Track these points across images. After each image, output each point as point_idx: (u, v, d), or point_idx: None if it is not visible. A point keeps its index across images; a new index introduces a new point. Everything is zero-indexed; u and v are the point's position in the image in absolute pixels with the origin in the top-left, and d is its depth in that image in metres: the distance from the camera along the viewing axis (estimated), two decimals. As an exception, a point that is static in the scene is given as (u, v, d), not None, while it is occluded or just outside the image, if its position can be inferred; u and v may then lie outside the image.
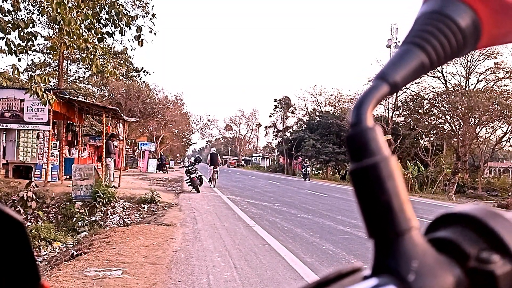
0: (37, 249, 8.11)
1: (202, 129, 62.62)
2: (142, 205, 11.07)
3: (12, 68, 7.63)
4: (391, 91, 0.28)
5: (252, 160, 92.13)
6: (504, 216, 0.29)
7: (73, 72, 33.32)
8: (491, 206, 0.29)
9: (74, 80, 32.98)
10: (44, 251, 8.06)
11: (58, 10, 6.65)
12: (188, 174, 14.97)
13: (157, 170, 30.07)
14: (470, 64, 27.27)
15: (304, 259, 5.51)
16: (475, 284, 0.27)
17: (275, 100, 57.32)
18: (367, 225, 0.28)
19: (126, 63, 32.39)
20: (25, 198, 10.90)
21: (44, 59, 30.73)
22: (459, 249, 0.28)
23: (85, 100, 16.31)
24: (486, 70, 26.65)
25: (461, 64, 27.42)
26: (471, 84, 27.41)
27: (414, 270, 0.27)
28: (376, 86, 0.28)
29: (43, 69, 30.73)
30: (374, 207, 0.28)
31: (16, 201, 11.10)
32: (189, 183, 14.97)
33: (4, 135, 13.54)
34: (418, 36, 0.29)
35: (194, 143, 73.68)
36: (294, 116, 54.73)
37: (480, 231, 0.28)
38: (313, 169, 43.99)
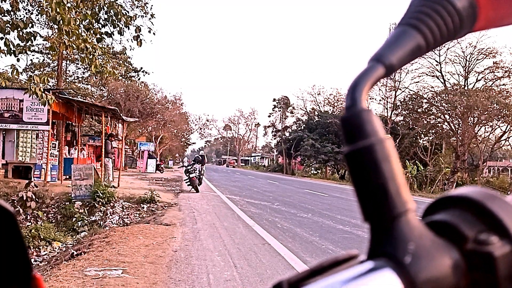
0: (36, 249, 8.12)
1: (201, 129, 62.65)
2: (141, 205, 11.07)
3: (11, 68, 7.63)
4: (387, 73, 0.28)
5: (251, 159, 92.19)
6: (503, 198, 0.29)
7: (72, 72, 33.28)
8: (490, 189, 0.29)
9: (73, 81, 32.94)
10: (44, 251, 8.05)
11: (58, 10, 6.65)
12: (187, 174, 14.97)
13: (156, 170, 30.10)
14: (469, 63, 27.30)
15: (303, 258, 5.52)
16: (473, 266, 0.27)
17: (274, 100, 57.40)
18: (362, 208, 0.28)
19: (125, 63, 32.37)
20: (24, 198, 10.89)
21: (43, 59, 30.70)
22: (457, 231, 0.28)
23: (84, 100, 16.30)
24: (485, 69, 26.68)
25: (460, 63, 27.47)
26: (470, 83, 27.45)
27: (411, 252, 0.26)
28: (371, 68, 0.28)
29: (42, 69, 30.69)
30: (369, 190, 0.27)
31: (15, 201, 11.09)
32: (188, 183, 14.98)
33: (3, 135, 13.53)
34: (413, 17, 0.29)
35: (193, 143, 73.73)
36: (293, 116, 54.83)
37: (479, 213, 0.28)
38: (312, 168, 44.03)
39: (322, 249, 6.24)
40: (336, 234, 7.51)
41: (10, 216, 0.27)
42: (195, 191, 14.68)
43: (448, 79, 28.22)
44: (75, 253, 6.11)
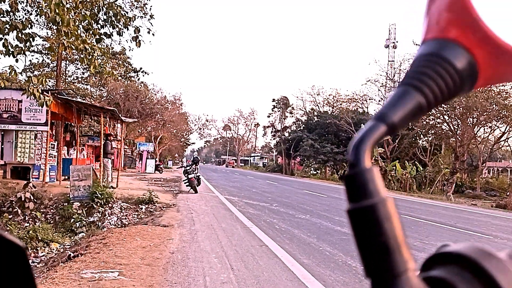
0: (34, 250, 8.10)
1: (200, 129, 62.58)
2: (140, 205, 11.07)
3: (9, 69, 7.62)
4: (389, 132, 0.29)
5: (250, 160, 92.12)
6: (497, 256, 0.29)
7: (71, 72, 33.27)
8: (483, 244, 0.30)
9: (72, 81, 32.92)
10: (42, 252, 8.04)
11: (57, 11, 6.65)
12: (186, 175, 14.96)
13: (155, 171, 30.09)
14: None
15: (301, 260, 5.51)
16: None
17: (273, 100, 57.43)
18: (364, 265, 0.29)
19: (125, 63, 32.37)
20: (23, 199, 10.88)
21: (42, 60, 30.67)
22: None
23: (83, 101, 16.29)
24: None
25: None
26: (470, 84, 27.42)
27: None
28: (375, 127, 0.29)
29: (41, 69, 30.67)
30: (371, 248, 0.28)
31: (14, 202, 11.08)
32: (187, 184, 14.97)
33: (2, 136, 13.52)
34: (415, 78, 0.29)
35: (193, 143, 73.60)
36: (292, 116, 54.81)
37: (475, 272, 0.29)
38: (312, 169, 44.01)
39: (319, 251, 6.23)
40: (334, 236, 7.50)
41: (21, 252, 0.29)
42: (193, 192, 14.67)
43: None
44: (72, 254, 6.10)
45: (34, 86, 7.05)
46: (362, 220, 0.28)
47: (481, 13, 0.29)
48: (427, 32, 0.30)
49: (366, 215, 0.28)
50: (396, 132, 0.30)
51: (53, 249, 8.28)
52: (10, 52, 7.37)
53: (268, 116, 58.82)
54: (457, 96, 0.31)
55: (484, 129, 27.37)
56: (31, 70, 30.42)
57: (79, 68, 32.29)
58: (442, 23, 0.30)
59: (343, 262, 5.65)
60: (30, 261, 7.64)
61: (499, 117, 25.01)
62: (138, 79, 34.68)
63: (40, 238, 8.50)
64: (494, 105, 24.35)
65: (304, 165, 46.41)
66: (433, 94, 0.29)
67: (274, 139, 58.50)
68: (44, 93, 7.68)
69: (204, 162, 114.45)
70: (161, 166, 33.02)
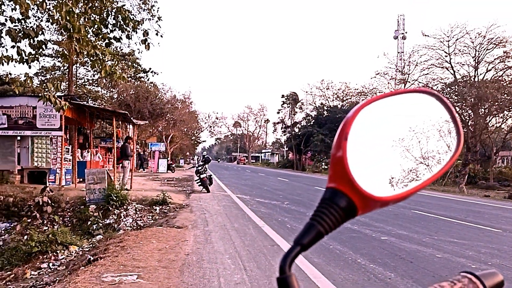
0: (54, 253, 8.39)
1: (210, 127, 62.75)
2: (154, 207, 11.31)
3: (25, 77, 7.90)
4: (303, 249, 0.48)
5: (261, 156, 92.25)
6: None
7: (82, 75, 33.74)
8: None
9: (83, 83, 33.39)
10: (62, 255, 8.32)
11: (68, 18, 6.87)
12: (198, 175, 15.20)
13: (168, 170, 30.42)
14: (479, 54, 26.97)
15: (311, 259, 5.67)
16: None
17: (283, 96, 57.41)
18: None
19: (134, 64, 32.70)
20: (40, 203, 11.22)
21: (54, 64, 31.16)
22: None
23: (96, 106, 16.61)
24: (495, 59, 26.33)
25: (469, 53, 27.17)
26: (480, 74, 27.13)
27: None
28: (293, 248, 0.48)
29: (53, 73, 31.18)
30: None
31: (32, 206, 11.44)
32: (200, 183, 15.21)
33: (18, 141, 13.88)
34: (316, 215, 0.49)
35: (203, 141, 73.81)
36: (302, 112, 54.80)
37: None
38: (323, 164, 44.02)
39: (329, 250, 6.38)
40: (344, 234, 7.64)
41: None
42: (206, 191, 14.90)
43: (458, 70, 27.93)
44: (91, 258, 6.34)
45: (50, 92, 7.31)
46: None
47: (354, 172, 0.47)
48: (328, 182, 0.49)
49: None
50: (309, 248, 0.48)
51: (72, 252, 8.55)
52: (24, 60, 7.63)
53: (278, 112, 58.87)
54: (345, 221, 0.49)
55: (496, 119, 27.11)
56: (43, 74, 30.97)
57: (89, 71, 32.75)
58: (333, 176, 0.48)
59: (352, 260, 5.79)
60: (51, 264, 7.94)
61: (511, 107, 24.77)
62: (148, 80, 35.03)
63: (59, 242, 8.79)
64: (505, 95, 24.13)
65: (315, 160, 46.44)
66: (327, 224, 0.47)
67: (284, 135, 58.55)
68: (59, 99, 7.90)
69: (219, 160, 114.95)
70: (173, 165, 33.36)
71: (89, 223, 10.60)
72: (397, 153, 0.52)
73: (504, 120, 26.93)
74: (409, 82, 31.78)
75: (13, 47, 7.45)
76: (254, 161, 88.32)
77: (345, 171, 0.47)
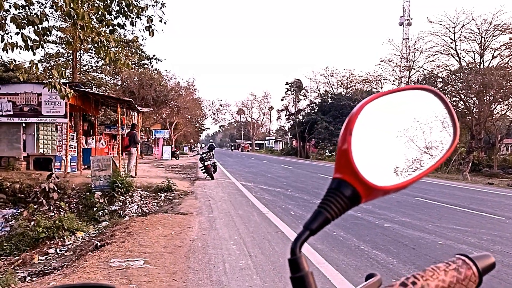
0: (61, 239, 8.52)
1: (214, 114, 62.75)
2: (159, 193, 11.42)
3: (30, 64, 7.92)
4: (311, 234, 0.52)
5: (265, 143, 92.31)
6: None
7: (86, 61, 33.70)
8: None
9: (87, 70, 33.37)
10: (68, 241, 8.46)
11: (72, 5, 6.86)
12: (202, 162, 15.27)
13: (172, 157, 30.56)
14: (485, 40, 26.69)
15: (315, 245, 5.74)
16: None
17: (287, 83, 57.16)
18: None
19: (138, 51, 32.61)
20: (47, 190, 11.35)
21: (58, 50, 31.11)
22: None
23: (100, 93, 16.63)
24: (501, 46, 26.05)
25: (475, 40, 26.90)
26: (486, 61, 26.88)
27: None
28: (303, 233, 0.52)
29: (57, 59, 31.14)
30: None
31: (38, 193, 11.58)
32: (204, 171, 15.29)
33: (23, 128, 13.97)
34: (323, 203, 0.52)
35: (207, 128, 74.06)
36: (306, 99, 54.59)
37: None
38: (327, 151, 44.04)
39: (333, 236, 6.45)
40: (347, 221, 7.71)
41: None
42: (210, 179, 14.99)
43: (463, 57, 27.69)
44: (98, 244, 6.45)
45: (55, 79, 7.33)
46: (296, 283, 0.50)
47: (358, 163, 0.51)
48: (334, 173, 0.54)
49: (298, 281, 0.51)
50: (317, 232, 0.52)
51: (79, 238, 8.69)
52: (30, 46, 7.64)
53: (282, 100, 58.72)
54: (350, 208, 0.53)
55: (501, 107, 26.94)
56: (47, 61, 30.94)
57: (93, 57, 32.70)
58: (339, 168, 0.53)
59: (356, 247, 5.86)
60: (58, 249, 8.08)
61: (516, 95, 24.58)
62: (152, 66, 34.96)
63: (66, 227, 8.91)
64: (511, 82, 23.92)
65: (319, 147, 46.46)
66: (334, 210, 0.51)
67: (288, 122, 58.51)
68: (64, 86, 7.93)
69: (229, 147, 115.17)
70: (177, 152, 33.49)
71: (95, 209, 10.72)
72: (401, 143, 0.56)
73: (509, 108, 26.75)
74: (414, 69, 31.57)
75: (17, 33, 7.47)
76: (258, 148, 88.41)
77: (349, 162, 0.51)
